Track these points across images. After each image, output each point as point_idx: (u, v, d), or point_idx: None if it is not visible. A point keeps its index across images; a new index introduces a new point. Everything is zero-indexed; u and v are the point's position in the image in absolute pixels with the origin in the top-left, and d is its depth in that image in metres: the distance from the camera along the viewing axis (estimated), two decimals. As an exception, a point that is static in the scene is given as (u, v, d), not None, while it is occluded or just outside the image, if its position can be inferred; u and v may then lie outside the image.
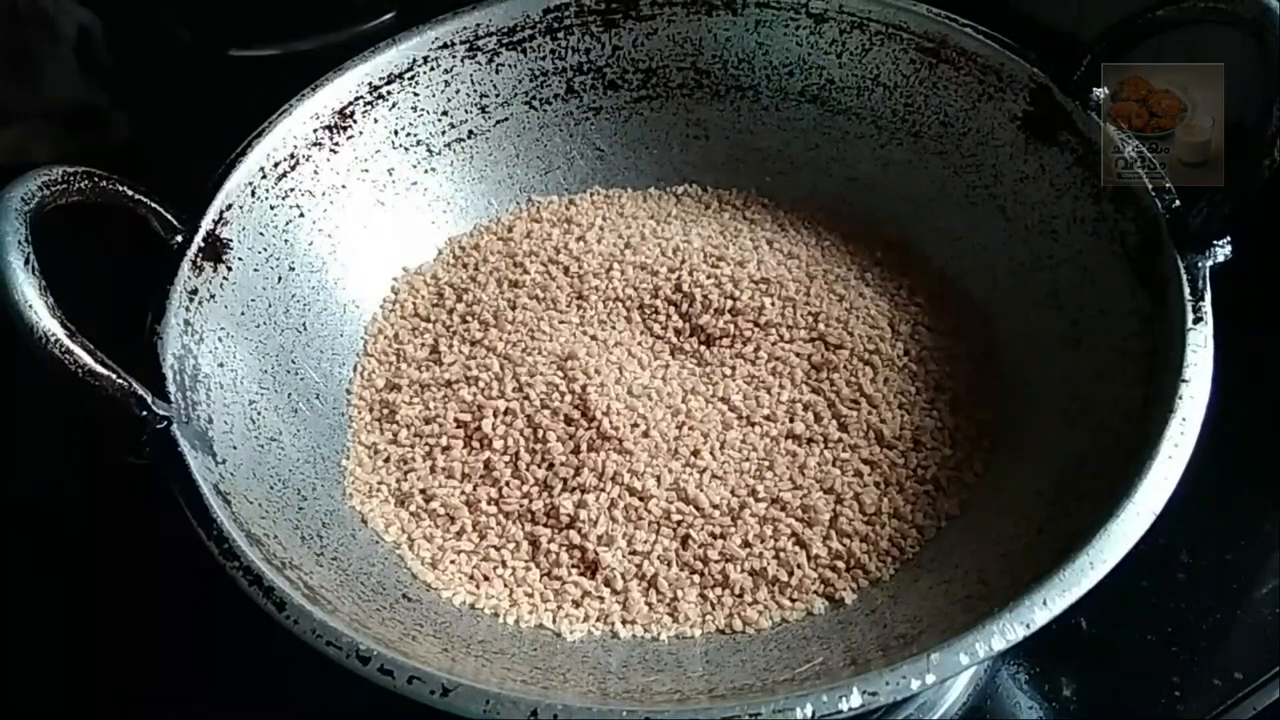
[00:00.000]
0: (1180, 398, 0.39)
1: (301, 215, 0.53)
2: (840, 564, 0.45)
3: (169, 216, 0.46)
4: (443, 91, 0.57)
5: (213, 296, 0.47)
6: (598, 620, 0.44)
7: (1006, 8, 0.71)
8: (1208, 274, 0.42)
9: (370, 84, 0.55)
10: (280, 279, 0.51)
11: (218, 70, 0.81)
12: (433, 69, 0.57)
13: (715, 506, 0.46)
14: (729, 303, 0.52)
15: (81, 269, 0.58)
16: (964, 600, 0.40)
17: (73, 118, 0.80)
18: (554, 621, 0.44)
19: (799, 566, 0.45)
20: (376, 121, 0.56)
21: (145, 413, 0.40)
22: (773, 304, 0.52)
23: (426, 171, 0.58)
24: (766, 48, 0.59)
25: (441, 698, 0.33)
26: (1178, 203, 0.45)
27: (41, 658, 0.50)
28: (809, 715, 0.33)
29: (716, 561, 0.45)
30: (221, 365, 0.46)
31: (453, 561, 0.46)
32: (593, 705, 0.33)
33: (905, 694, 0.33)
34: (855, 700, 0.33)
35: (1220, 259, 0.43)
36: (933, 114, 0.56)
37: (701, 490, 0.46)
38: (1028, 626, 0.34)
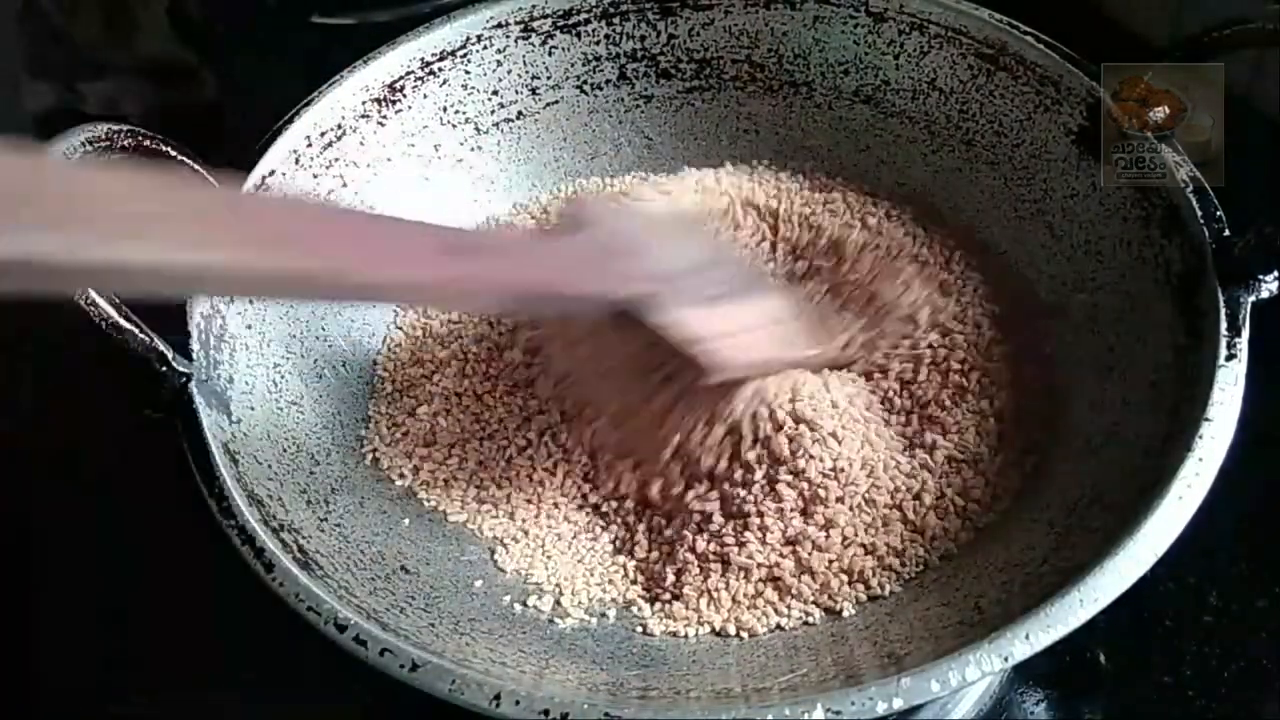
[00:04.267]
0: (1200, 437, 0.37)
1: (344, 185, 0.54)
2: (845, 575, 0.44)
3: (210, 178, 0.47)
4: (494, 71, 0.58)
5: (247, 259, 0.48)
6: None
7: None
8: (1249, 309, 0.40)
9: (422, 59, 0.56)
10: (318, 246, 0.52)
11: (301, 35, 0.82)
12: (486, 48, 0.57)
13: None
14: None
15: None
16: (956, 625, 0.39)
17: (162, 74, 0.83)
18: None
19: (804, 574, 0.44)
20: (426, 97, 0.56)
21: (165, 368, 0.41)
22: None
23: (473, 150, 0.58)
24: (823, 44, 0.57)
25: (410, 673, 0.34)
26: (1227, 232, 0.43)
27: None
28: (767, 728, 0.32)
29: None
30: (249, 327, 0.47)
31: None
32: (555, 693, 0.33)
33: (871, 714, 0.32)
34: (818, 714, 0.32)
35: (1265, 295, 0.41)
36: (987, 122, 0.54)
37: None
38: (1005, 659, 0.33)
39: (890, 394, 0.49)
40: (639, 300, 0.41)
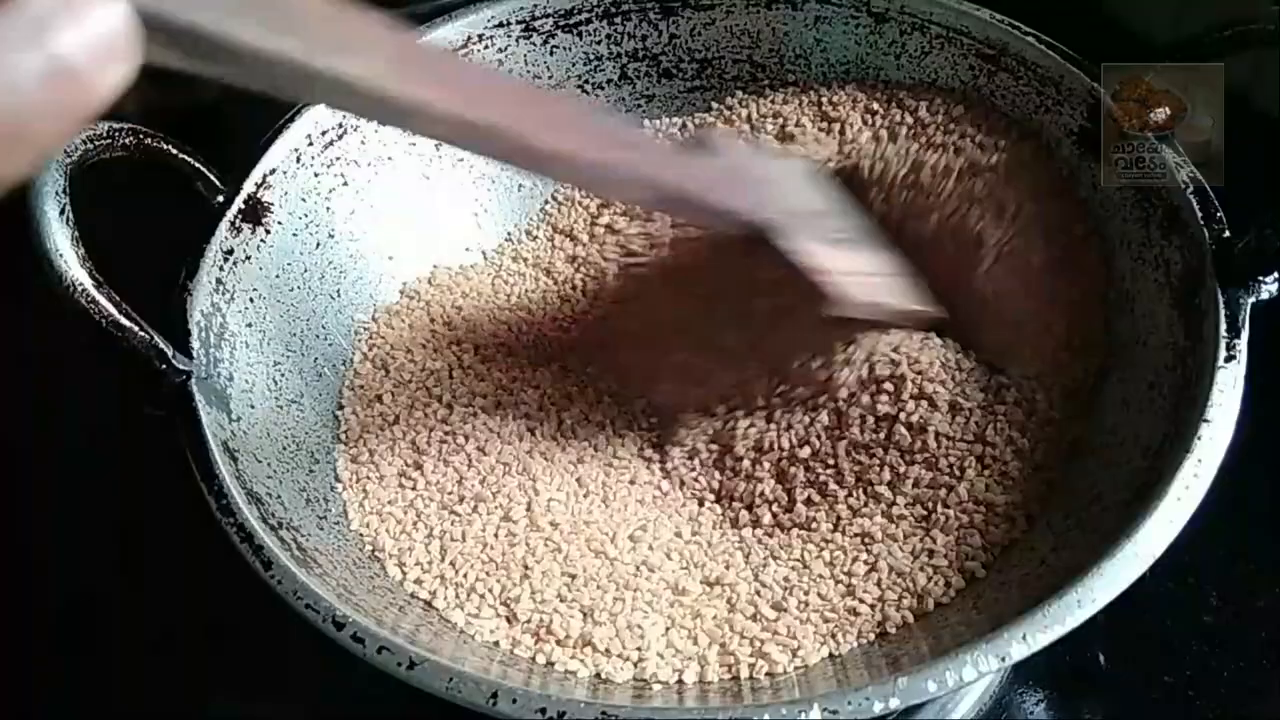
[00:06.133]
0: (1199, 438, 0.37)
1: (345, 184, 0.54)
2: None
3: (212, 177, 0.48)
4: (496, 70, 0.57)
5: (248, 258, 0.48)
6: None
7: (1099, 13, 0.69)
8: (1248, 310, 0.40)
9: (424, 58, 0.56)
10: (319, 245, 0.52)
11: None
12: (487, 47, 0.57)
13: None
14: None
15: (134, 224, 0.61)
16: (953, 625, 0.39)
17: (162, 74, 0.82)
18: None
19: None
20: (428, 96, 0.56)
21: (165, 366, 0.41)
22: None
23: (475, 149, 0.58)
24: (824, 44, 0.57)
25: (408, 670, 0.34)
26: (1227, 233, 0.43)
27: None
28: (766, 726, 0.32)
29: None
30: (250, 325, 0.47)
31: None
32: (551, 692, 0.33)
33: (868, 714, 0.32)
34: (815, 714, 0.32)
35: (1265, 295, 0.41)
36: (988, 123, 0.54)
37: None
38: (1003, 660, 0.33)
39: None
40: (772, 224, 0.43)
